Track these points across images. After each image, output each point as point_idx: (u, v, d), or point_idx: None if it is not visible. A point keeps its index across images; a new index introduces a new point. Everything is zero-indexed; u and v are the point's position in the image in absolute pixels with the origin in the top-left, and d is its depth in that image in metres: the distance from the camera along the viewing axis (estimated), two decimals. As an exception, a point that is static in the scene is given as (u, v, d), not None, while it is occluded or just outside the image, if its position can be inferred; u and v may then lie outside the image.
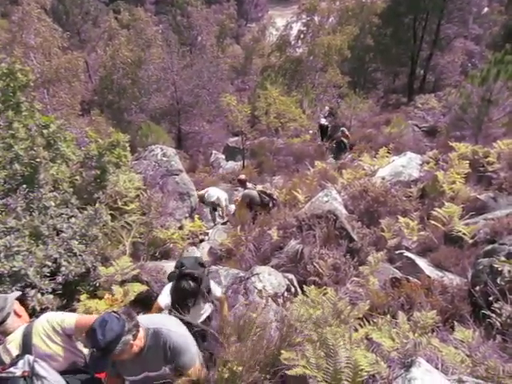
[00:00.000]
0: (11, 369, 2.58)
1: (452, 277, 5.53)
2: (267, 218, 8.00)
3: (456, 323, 4.09)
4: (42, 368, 2.63)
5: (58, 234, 5.51)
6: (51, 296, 4.94)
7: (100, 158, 7.01)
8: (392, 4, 29.82)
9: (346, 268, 5.47)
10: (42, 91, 17.67)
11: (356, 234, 6.51)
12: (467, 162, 9.13)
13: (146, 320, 2.75)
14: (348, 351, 2.84)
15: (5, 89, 6.23)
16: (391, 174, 10.05)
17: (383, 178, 9.51)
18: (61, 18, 32.66)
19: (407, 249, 6.72)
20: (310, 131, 21.05)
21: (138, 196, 7.52)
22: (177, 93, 21.30)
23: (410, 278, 5.32)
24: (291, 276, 5.44)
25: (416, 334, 3.62)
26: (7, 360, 2.68)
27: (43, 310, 4.61)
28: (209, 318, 3.49)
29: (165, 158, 9.53)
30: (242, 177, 9.73)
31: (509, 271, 4.29)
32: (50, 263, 5.04)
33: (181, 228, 8.21)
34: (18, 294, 3.08)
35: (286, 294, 4.94)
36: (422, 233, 7.01)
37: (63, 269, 5.17)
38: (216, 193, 9.95)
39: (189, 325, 3.09)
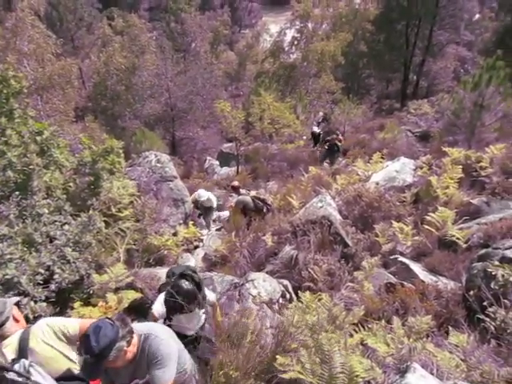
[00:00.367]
0: (8, 373, 2.53)
1: (446, 281, 5.54)
2: (262, 223, 7.99)
3: (451, 328, 4.10)
4: (37, 373, 2.60)
5: (51, 241, 5.46)
6: (44, 304, 4.89)
7: (94, 164, 6.97)
8: (385, 10, 30.10)
9: (341, 273, 5.47)
10: (36, 98, 17.60)
11: (350, 239, 6.52)
12: (460, 166, 9.18)
13: (140, 326, 2.73)
14: (343, 357, 2.84)
15: (-2, 95, 6.21)
16: (385, 179, 10.09)
17: (377, 184, 9.54)
18: (54, 25, 32.66)
19: (401, 254, 6.73)
20: (304, 137, 21.11)
21: (131, 202, 7.48)
22: (171, 99, 21.33)
23: (405, 283, 5.33)
24: (286, 282, 5.43)
25: (411, 339, 3.62)
26: (1, 364, 2.64)
27: (36, 318, 4.55)
28: (203, 325, 3.47)
29: (159, 165, 9.51)
30: (235, 183, 9.72)
31: (502, 275, 4.31)
32: (43, 271, 4.99)
33: (175, 234, 8.18)
34: (17, 299, 3.07)
35: (280, 300, 4.93)
36: (416, 238, 7.04)
37: (56, 276, 5.12)
38: (206, 193, 9.92)
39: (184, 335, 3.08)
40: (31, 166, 5.74)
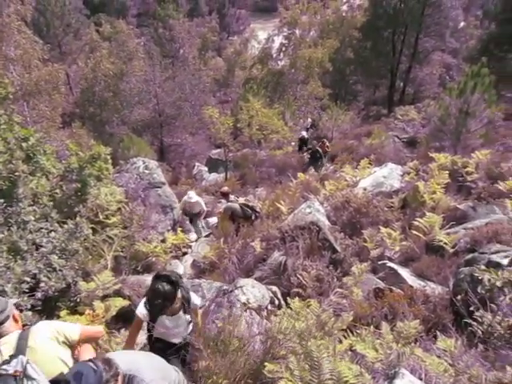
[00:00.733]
0: (4, 366, 2.51)
1: (434, 286, 5.58)
2: (250, 230, 7.97)
3: (438, 333, 4.12)
4: (33, 370, 2.55)
5: (37, 249, 5.40)
6: (30, 313, 4.82)
7: (81, 171, 6.93)
8: (371, 18, 30.45)
9: (330, 279, 5.47)
10: (22, 104, 17.44)
11: (339, 244, 6.53)
12: (447, 172, 9.29)
13: (125, 362, 2.52)
14: (332, 363, 2.84)
15: (-17, 102, 6.14)
16: (373, 185, 10.15)
17: (365, 189, 9.60)
18: (41, 30, 32.45)
19: (390, 259, 6.76)
20: (293, 143, 21.20)
21: (119, 209, 7.44)
22: (159, 105, 21.29)
23: (393, 288, 5.35)
24: (275, 288, 5.42)
25: (399, 345, 3.63)
26: None
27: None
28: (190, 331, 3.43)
29: (147, 171, 9.47)
30: (225, 189, 9.70)
31: (489, 280, 4.35)
32: (28, 279, 4.93)
33: (163, 241, 8.14)
34: (16, 300, 3.02)
35: (269, 306, 4.91)
36: (404, 243, 7.08)
37: (43, 284, 5.06)
38: (196, 196, 9.88)
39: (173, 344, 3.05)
40: (17, 173, 5.68)
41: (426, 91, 32.59)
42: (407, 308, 4.75)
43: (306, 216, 6.83)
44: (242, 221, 8.62)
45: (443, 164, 9.98)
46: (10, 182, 5.68)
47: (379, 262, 6.52)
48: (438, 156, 10.49)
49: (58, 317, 4.96)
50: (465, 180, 9.32)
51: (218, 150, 21.14)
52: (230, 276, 6.38)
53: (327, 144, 16.16)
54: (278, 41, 33.44)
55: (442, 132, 13.85)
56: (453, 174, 9.48)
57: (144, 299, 3.42)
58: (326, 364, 2.82)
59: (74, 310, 5.29)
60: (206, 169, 20.07)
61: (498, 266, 4.72)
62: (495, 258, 4.89)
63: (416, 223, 7.19)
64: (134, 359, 2.60)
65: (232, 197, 9.09)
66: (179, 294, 3.26)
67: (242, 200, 9.15)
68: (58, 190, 6.78)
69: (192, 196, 9.57)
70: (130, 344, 3.41)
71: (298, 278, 5.47)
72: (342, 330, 4.07)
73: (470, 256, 5.27)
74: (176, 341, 3.30)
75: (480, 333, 4.03)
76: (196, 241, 9.65)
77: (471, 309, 4.28)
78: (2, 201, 5.32)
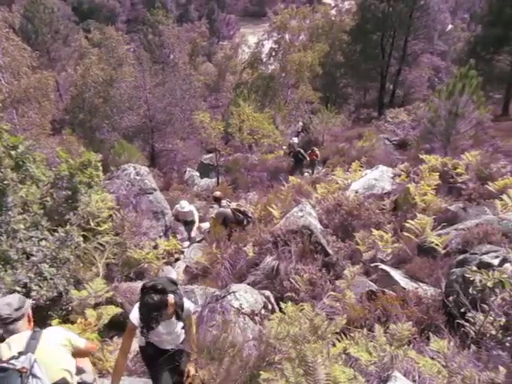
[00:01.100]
0: (12, 361, 2.56)
1: (426, 287, 5.59)
2: (242, 234, 7.96)
3: (431, 334, 4.13)
4: (39, 370, 2.60)
5: (27, 258, 5.35)
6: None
7: (71, 178, 6.89)
8: (360, 22, 30.67)
9: (323, 283, 5.48)
10: (11, 111, 17.34)
11: (331, 248, 6.54)
12: (437, 173, 9.35)
13: None
14: (327, 368, 2.83)
15: (-29, 110, 6.10)
16: (364, 188, 10.19)
17: (356, 192, 9.64)
18: (30, 37, 32.32)
19: (382, 261, 6.78)
20: (284, 147, 21.23)
21: (110, 216, 7.39)
22: (149, 111, 21.21)
23: (386, 291, 5.35)
24: (268, 293, 5.41)
25: (393, 347, 3.63)
26: (7, 356, 2.65)
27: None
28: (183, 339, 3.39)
29: (138, 177, 9.42)
30: (217, 194, 9.66)
31: (480, 280, 4.37)
32: (19, 288, 4.88)
33: (155, 247, 8.09)
34: (32, 300, 3.06)
35: (262, 311, 4.89)
36: (395, 245, 7.10)
37: (34, 294, 5.01)
38: (189, 206, 9.80)
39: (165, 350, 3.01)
40: (6, 181, 5.62)
41: (415, 93, 32.86)
42: (400, 310, 4.76)
43: (298, 220, 6.83)
44: (234, 226, 8.61)
45: (433, 165, 10.05)
46: None
47: (371, 265, 6.54)
48: (428, 158, 10.56)
49: (50, 326, 4.90)
50: (455, 181, 9.38)
51: (210, 155, 21.12)
52: (223, 281, 6.36)
53: (317, 152, 16.16)
54: (268, 45, 33.57)
55: (432, 134, 13.96)
56: (443, 175, 9.54)
57: (137, 304, 3.39)
58: (320, 369, 2.81)
59: (65, 319, 5.24)
60: (198, 174, 20.03)
61: (489, 266, 4.75)
62: (486, 258, 4.92)
63: (407, 225, 7.22)
64: None
65: (224, 202, 9.07)
66: (172, 300, 3.23)
67: (234, 205, 9.14)
68: (48, 198, 6.74)
69: (184, 205, 9.49)
70: (123, 352, 3.37)
71: (291, 282, 5.47)
72: (336, 333, 4.07)
73: (461, 257, 5.29)
74: (168, 347, 3.27)
75: (473, 333, 4.05)
76: (188, 246, 9.60)
77: (463, 310, 4.30)
78: (-9, 210, 5.28)
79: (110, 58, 27.36)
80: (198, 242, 9.74)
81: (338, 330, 4.10)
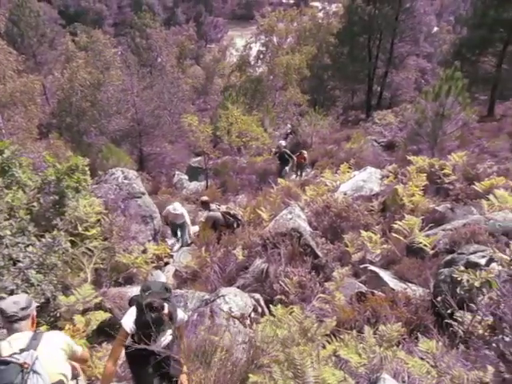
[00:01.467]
0: (15, 355, 2.59)
1: (415, 288, 5.63)
2: (232, 237, 7.95)
3: (420, 335, 4.16)
4: (40, 367, 2.63)
5: (14, 264, 5.29)
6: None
7: (58, 182, 6.83)
8: (347, 24, 30.87)
9: (312, 285, 5.48)
10: (-3, 116, 17.17)
11: (320, 250, 6.56)
12: (425, 174, 9.42)
13: None
14: (316, 370, 2.83)
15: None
16: (353, 189, 10.23)
17: (345, 193, 9.67)
18: (15, 41, 32.07)
19: (371, 262, 6.81)
20: (273, 149, 21.27)
21: (98, 221, 7.33)
22: (137, 114, 21.12)
23: (375, 292, 5.38)
24: (258, 296, 5.40)
25: (382, 348, 3.65)
26: (8, 353, 2.66)
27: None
28: (167, 345, 3.36)
29: (126, 181, 9.36)
30: (204, 198, 9.62)
31: (467, 280, 4.41)
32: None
33: (144, 252, 8.03)
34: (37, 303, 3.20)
35: (252, 314, 4.89)
36: (384, 246, 7.14)
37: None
38: (182, 208, 9.76)
39: (152, 354, 2.99)
40: (-9, 187, 5.56)
41: (402, 95, 33.15)
42: (389, 311, 4.78)
43: (288, 222, 6.84)
44: (223, 229, 8.59)
45: (421, 166, 10.12)
46: (-15, 197, 5.57)
47: (361, 266, 6.56)
48: (415, 159, 10.63)
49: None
50: (442, 182, 9.46)
51: (198, 158, 21.06)
52: (212, 285, 6.35)
53: (305, 155, 16.08)
54: (256, 48, 33.67)
55: (419, 135, 14.09)
56: (430, 176, 9.62)
57: (129, 310, 3.37)
58: (309, 371, 2.81)
59: (53, 325, 5.18)
60: (187, 177, 19.96)
61: (476, 266, 4.79)
62: (473, 258, 4.96)
63: (396, 226, 7.26)
64: None
65: (213, 205, 9.06)
66: (166, 310, 3.23)
67: (223, 208, 9.13)
68: (35, 203, 6.68)
69: (177, 208, 9.46)
70: (113, 358, 3.34)
71: (281, 285, 5.47)
72: (326, 335, 4.07)
73: (449, 257, 5.33)
74: (155, 349, 3.26)
75: (461, 333, 4.08)
76: (178, 250, 9.56)
77: (450, 310, 4.33)
78: (-24, 216, 5.21)
79: (97, 62, 27.19)
80: (187, 245, 9.71)
81: (327, 332, 4.10)
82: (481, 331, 3.91)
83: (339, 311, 4.92)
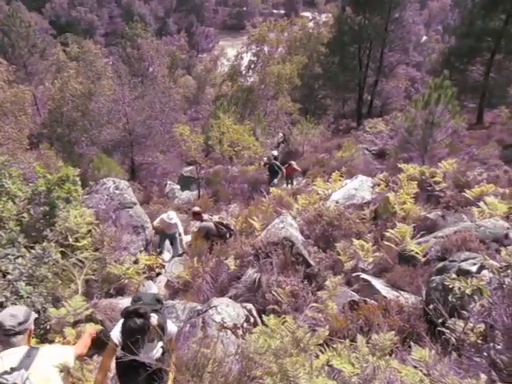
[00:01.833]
0: (5, 375, 2.51)
1: (407, 296, 5.64)
2: (224, 247, 7.92)
3: (412, 343, 4.15)
4: None
5: (3, 276, 5.23)
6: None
7: (49, 193, 6.79)
8: (337, 34, 31.22)
9: (305, 294, 5.46)
10: (-13, 126, 17.05)
11: (313, 259, 6.55)
12: (415, 182, 9.49)
13: None
14: (308, 381, 2.81)
15: None
16: (344, 197, 10.26)
17: (337, 202, 9.69)
18: (6, 51, 32.04)
19: (364, 271, 6.82)
20: (265, 158, 21.30)
21: (89, 231, 7.28)
22: (129, 124, 21.06)
23: (368, 300, 5.38)
24: (250, 306, 5.37)
25: (375, 357, 3.64)
26: None
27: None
28: (159, 358, 3.32)
29: (117, 191, 9.31)
30: (196, 209, 9.55)
31: (459, 288, 4.42)
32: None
33: (136, 262, 7.97)
34: (37, 315, 3.08)
35: (245, 324, 4.86)
36: (376, 254, 7.15)
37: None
38: (176, 218, 9.67)
39: (142, 366, 2.96)
40: (-20, 198, 5.51)
41: (392, 104, 33.49)
42: (382, 319, 4.78)
43: (279, 231, 6.84)
44: (216, 239, 8.57)
45: (412, 174, 10.20)
46: (-26, 208, 5.51)
47: (353, 274, 6.56)
48: (406, 167, 10.71)
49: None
50: (433, 189, 9.54)
51: (190, 168, 21.02)
52: (205, 295, 6.31)
53: (294, 167, 16.03)
54: (247, 58, 33.82)
55: (410, 143, 14.21)
56: (421, 183, 9.69)
57: (119, 323, 3.33)
58: (302, 382, 2.79)
59: (43, 338, 5.11)
60: (179, 187, 19.89)
61: (467, 273, 4.82)
62: (465, 265, 4.99)
63: (388, 234, 7.29)
64: None
65: (206, 216, 9.03)
66: (155, 322, 3.18)
67: (216, 218, 9.10)
68: (25, 214, 6.62)
69: (172, 217, 9.37)
70: (103, 371, 3.30)
71: (273, 295, 5.45)
72: (319, 344, 4.05)
73: (440, 264, 5.36)
74: (146, 360, 3.22)
75: (454, 341, 4.08)
76: (169, 260, 9.50)
77: (441, 319, 4.33)
78: (-36, 228, 5.15)
79: (89, 72, 27.17)
80: (179, 255, 9.65)
81: (320, 342, 4.09)
82: (473, 339, 3.92)
83: (332, 320, 4.90)
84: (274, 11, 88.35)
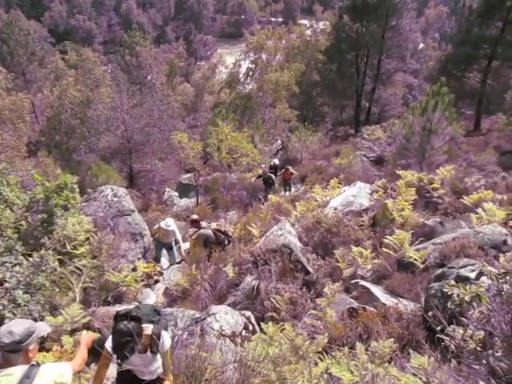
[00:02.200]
0: None
1: (406, 303, 5.62)
2: (222, 254, 7.90)
3: (412, 350, 4.13)
4: None
5: (1, 284, 5.20)
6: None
7: (47, 201, 6.78)
8: (335, 42, 31.41)
9: (303, 301, 5.44)
10: (-15, 134, 17.07)
11: (311, 266, 6.54)
12: (414, 188, 9.50)
13: None
14: (307, 389, 2.80)
15: None
16: (343, 204, 10.26)
17: (335, 209, 9.69)
18: (5, 59, 32.15)
19: (362, 278, 6.80)
20: (263, 165, 21.31)
21: (87, 239, 7.25)
22: (127, 131, 21.06)
23: (367, 307, 5.36)
24: (248, 313, 5.35)
25: (374, 365, 3.62)
26: None
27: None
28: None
29: (115, 199, 9.30)
30: (194, 217, 9.52)
31: (458, 295, 4.41)
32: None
33: (134, 270, 7.94)
34: (47, 330, 2.98)
35: (243, 332, 4.83)
36: (375, 261, 7.14)
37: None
38: (174, 225, 9.61)
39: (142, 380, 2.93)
40: (-22, 206, 5.50)
41: (390, 111, 33.62)
42: (381, 326, 4.76)
43: (278, 238, 6.82)
44: (214, 246, 8.54)
45: (410, 181, 10.21)
46: (-29, 216, 5.50)
47: (352, 282, 6.55)
48: (404, 173, 10.73)
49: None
50: (431, 196, 9.55)
51: (189, 175, 21.02)
52: (203, 303, 6.27)
53: (291, 171, 16.04)
54: (245, 65, 33.99)
55: (408, 150, 14.24)
56: (419, 190, 9.70)
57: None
58: (300, 390, 2.78)
59: (40, 347, 5.07)
60: (177, 194, 19.88)
61: (466, 279, 4.81)
62: (463, 272, 4.98)
63: (386, 241, 7.28)
64: None
65: (204, 223, 9.00)
66: (149, 331, 3.13)
67: (214, 225, 9.07)
68: (23, 222, 6.60)
69: (170, 224, 9.32)
70: (98, 380, 3.27)
71: (272, 302, 5.43)
72: (318, 352, 4.03)
73: (439, 271, 5.35)
74: (145, 377, 3.18)
75: (453, 348, 4.07)
76: (168, 268, 9.46)
77: (440, 326, 4.31)
78: (-38, 236, 5.14)
79: (87, 80, 27.29)
80: (177, 263, 9.62)
81: (319, 349, 4.07)
82: (472, 346, 3.90)
83: (331, 327, 4.88)
84: (272, 19, 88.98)
